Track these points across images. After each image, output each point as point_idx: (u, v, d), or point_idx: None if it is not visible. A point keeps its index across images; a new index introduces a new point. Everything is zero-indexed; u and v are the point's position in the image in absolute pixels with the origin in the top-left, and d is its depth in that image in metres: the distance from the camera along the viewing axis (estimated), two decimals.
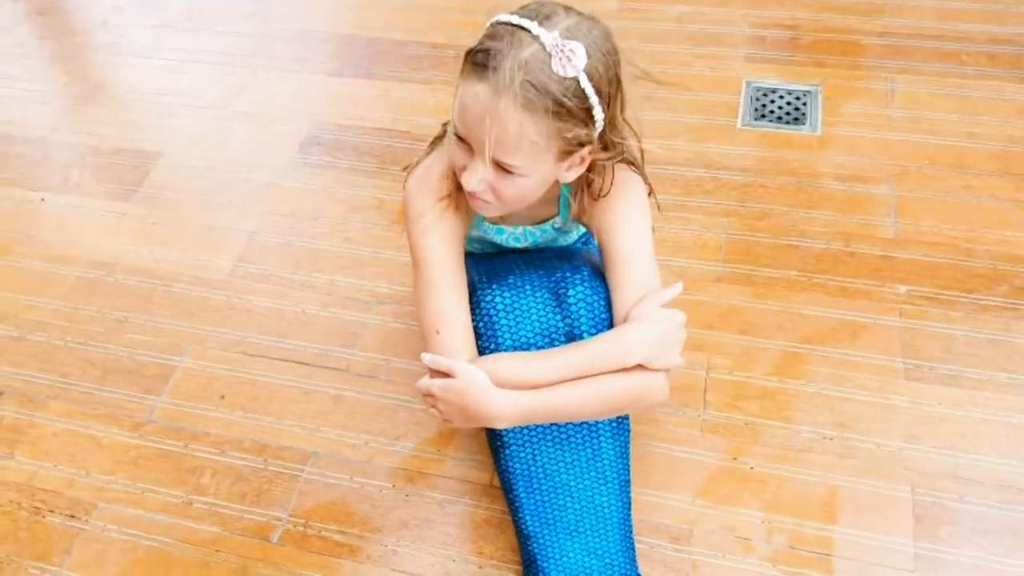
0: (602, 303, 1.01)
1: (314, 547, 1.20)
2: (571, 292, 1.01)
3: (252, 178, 1.76)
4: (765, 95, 1.84)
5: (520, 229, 1.12)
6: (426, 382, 0.97)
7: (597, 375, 0.94)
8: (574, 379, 0.94)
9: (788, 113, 1.79)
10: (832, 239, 1.53)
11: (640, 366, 0.95)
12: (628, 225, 0.99)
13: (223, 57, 2.09)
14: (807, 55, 1.94)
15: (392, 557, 1.18)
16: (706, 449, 1.26)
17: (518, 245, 1.15)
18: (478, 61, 0.84)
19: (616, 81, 0.89)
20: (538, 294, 1.02)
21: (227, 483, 1.28)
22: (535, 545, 1.04)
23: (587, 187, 0.99)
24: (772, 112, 1.80)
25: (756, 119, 1.78)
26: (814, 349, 1.36)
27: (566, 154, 0.90)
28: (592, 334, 0.99)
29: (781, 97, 1.83)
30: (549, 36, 0.83)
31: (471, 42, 0.87)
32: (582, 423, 1.04)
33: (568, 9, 0.88)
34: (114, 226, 1.69)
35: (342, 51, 2.08)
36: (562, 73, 0.83)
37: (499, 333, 1.00)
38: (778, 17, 2.05)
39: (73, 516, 1.26)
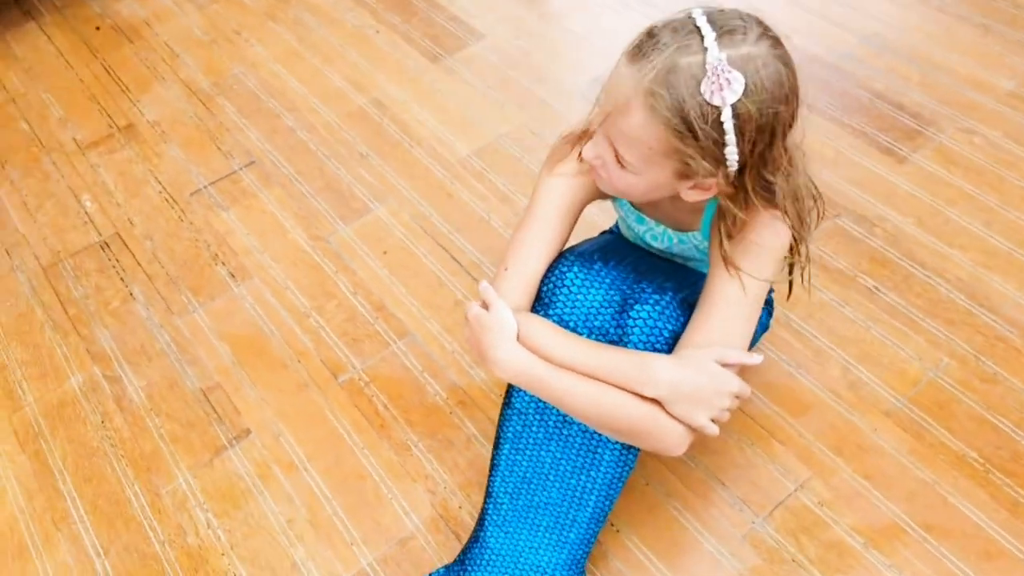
0: (664, 333, 0.94)
1: (359, 404, 1.31)
2: (638, 307, 0.94)
3: (545, 95, 1.83)
4: None
5: (660, 228, 1.06)
6: (470, 307, 0.99)
7: (611, 384, 0.89)
8: (588, 374, 0.89)
9: None
10: None
11: (659, 403, 0.87)
12: (741, 266, 0.89)
13: None
14: None
15: (405, 451, 1.25)
16: (737, 558, 1.12)
17: (654, 243, 1.09)
18: (640, 42, 0.79)
19: (770, 132, 0.79)
20: (610, 292, 0.97)
21: (341, 317, 1.43)
22: (491, 507, 1.03)
23: (724, 217, 0.90)
24: None
25: None
26: (928, 540, 1.12)
27: (684, 175, 0.83)
28: None
29: None
30: (715, 54, 0.76)
31: None
32: (592, 434, 0.98)
33: (765, 36, 0.79)
34: (411, 74, 1.89)
35: None
36: (707, 98, 0.76)
37: (553, 304, 0.97)
38: None
39: (233, 276, 1.51)
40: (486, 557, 1.03)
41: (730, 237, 0.89)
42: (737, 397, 0.90)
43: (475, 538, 1.05)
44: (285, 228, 1.58)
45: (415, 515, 1.18)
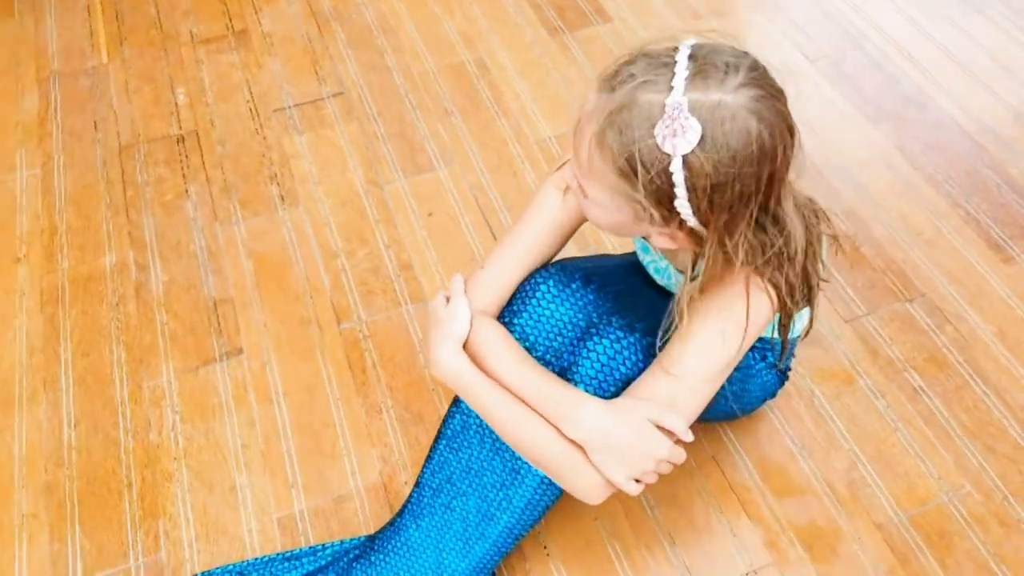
0: (616, 374, 0.88)
1: (351, 355, 1.31)
2: (597, 339, 0.89)
3: None
4: None
5: (664, 263, 0.99)
6: (436, 296, 0.97)
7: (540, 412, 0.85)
8: (520, 396, 0.86)
9: None
10: None
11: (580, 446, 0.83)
12: (699, 332, 0.82)
13: None
14: None
15: (375, 413, 1.25)
16: None
17: (656, 277, 1.02)
18: (616, 68, 0.73)
19: (736, 192, 0.71)
20: (578, 315, 0.92)
21: (365, 266, 1.43)
22: (414, 496, 1.02)
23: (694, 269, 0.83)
24: None
25: None
26: None
27: (642, 218, 0.76)
28: (581, 387, 0.88)
29: None
30: (677, 96, 0.68)
31: None
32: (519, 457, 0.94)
33: (749, 85, 0.69)
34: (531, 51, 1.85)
35: None
36: (659, 142, 0.68)
37: (519, 313, 0.94)
38: None
39: (282, 199, 1.54)
40: (394, 544, 1.01)
41: (701, 292, 0.81)
42: (667, 462, 0.83)
43: (391, 523, 1.04)
44: (347, 166, 1.59)
45: (360, 477, 1.18)
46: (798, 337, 1.14)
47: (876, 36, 1.82)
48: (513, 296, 0.95)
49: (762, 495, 1.16)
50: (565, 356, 0.91)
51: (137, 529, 1.14)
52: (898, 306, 1.36)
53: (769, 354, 1.12)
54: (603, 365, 0.88)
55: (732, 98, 0.68)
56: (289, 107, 1.70)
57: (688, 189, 0.70)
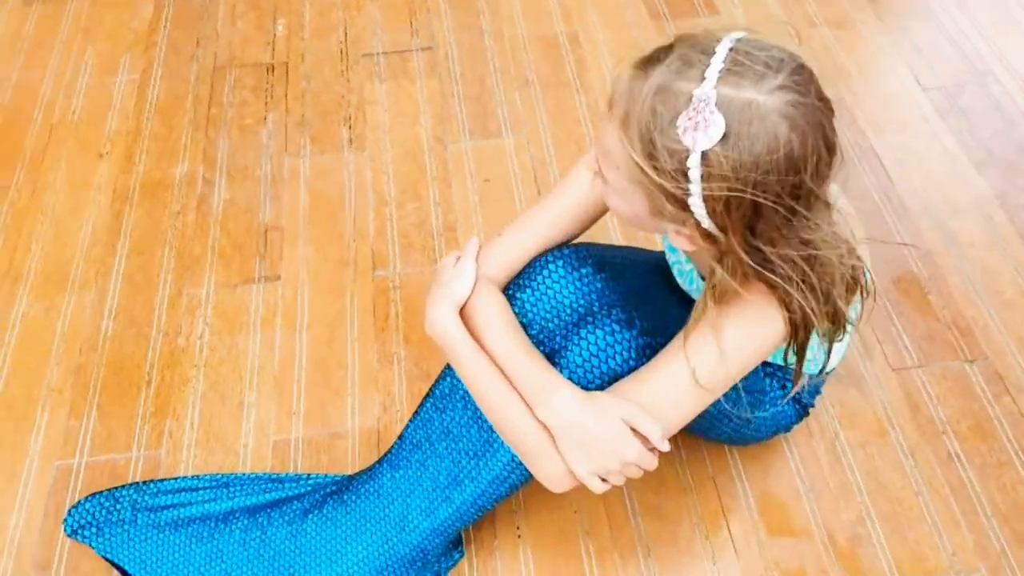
0: (603, 367, 0.86)
1: (378, 302, 1.33)
2: (590, 328, 0.87)
3: None
4: None
5: (689, 266, 0.95)
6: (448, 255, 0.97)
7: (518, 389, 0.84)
8: (502, 370, 0.85)
9: None
10: None
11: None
12: (697, 339, 0.78)
13: None
14: None
15: (387, 362, 1.26)
16: None
17: (680, 281, 0.99)
18: (655, 51, 0.69)
19: (753, 205, 0.66)
20: (580, 301, 0.90)
21: (412, 220, 1.45)
22: (396, 447, 1.03)
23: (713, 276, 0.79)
24: None
25: None
26: None
27: (659, 213, 0.72)
28: (566, 373, 0.85)
29: None
30: (708, 88, 0.64)
31: None
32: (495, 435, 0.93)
33: (788, 89, 0.65)
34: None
35: None
36: (679, 135, 0.65)
37: (522, 287, 0.93)
38: None
39: (350, 142, 1.57)
40: (367, 488, 1.02)
41: (716, 302, 0.77)
42: (635, 466, 0.81)
43: (370, 467, 1.05)
44: (418, 119, 1.61)
45: (359, 419, 1.20)
46: (824, 373, 1.07)
47: (1003, 73, 1.68)
48: (523, 270, 0.94)
49: (755, 528, 1.11)
50: (557, 339, 0.89)
51: (146, 423, 1.20)
52: (955, 364, 1.26)
53: (789, 384, 1.06)
54: (591, 355, 0.85)
55: (766, 99, 0.64)
56: (378, 54, 1.73)
57: (704, 188, 0.66)
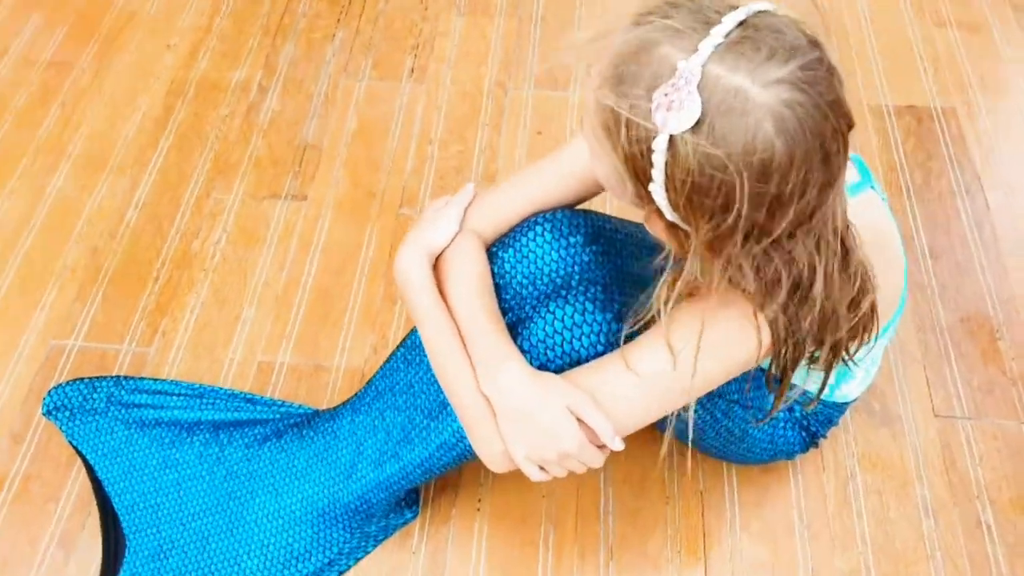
0: (565, 347, 0.78)
1: (395, 241, 1.28)
2: (560, 302, 0.79)
3: None
4: None
5: None
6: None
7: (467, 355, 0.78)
8: (459, 329, 0.79)
9: None
10: None
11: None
12: (658, 339, 0.70)
13: None
14: None
15: (389, 305, 1.22)
16: None
17: None
18: (650, 6, 0.59)
19: (719, 207, 0.56)
20: (561, 270, 0.82)
21: (452, 164, 1.38)
22: (360, 392, 1.00)
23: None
24: None
25: None
26: None
27: (622, 186, 0.63)
28: (525, 346, 0.78)
29: None
30: (697, 62, 0.54)
31: None
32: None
33: (790, 83, 0.54)
34: None
35: None
36: (652, 113, 0.55)
37: (505, 246, 0.86)
38: None
39: (411, 72, 1.51)
40: (326, 427, 0.99)
41: (680, 297, 0.68)
42: (576, 460, 0.73)
43: (335, 407, 1.02)
44: (485, 60, 1.53)
45: (347, 356, 1.17)
46: (838, 403, 0.96)
47: None
48: (512, 228, 0.87)
49: (733, 555, 1.01)
50: (527, 308, 0.81)
51: (143, 319, 1.20)
52: (1011, 425, 1.11)
53: (797, 406, 0.95)
54: (555, 332, 0.77)
55: (759, 90, 0.53)
56: None
57: (666, 176, 0.57)
